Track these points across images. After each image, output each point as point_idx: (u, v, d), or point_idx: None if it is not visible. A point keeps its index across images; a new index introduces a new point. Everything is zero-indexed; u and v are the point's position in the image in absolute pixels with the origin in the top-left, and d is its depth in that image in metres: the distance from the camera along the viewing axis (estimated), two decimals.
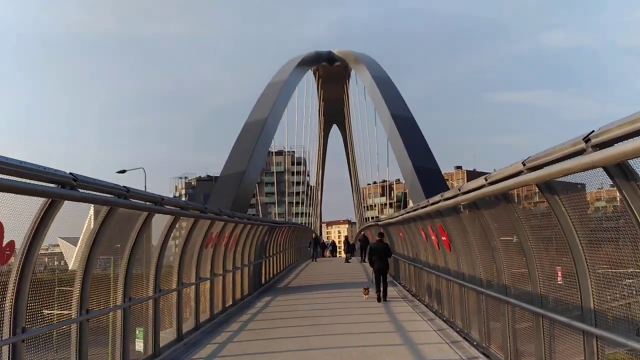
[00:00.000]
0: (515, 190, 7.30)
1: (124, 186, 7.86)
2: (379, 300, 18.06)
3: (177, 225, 10.83)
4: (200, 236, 13.36)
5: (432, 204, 11.83)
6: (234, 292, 17.70)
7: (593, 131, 4.54)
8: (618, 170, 4.61)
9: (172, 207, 10.49)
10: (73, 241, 12.08)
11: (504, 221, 8.22)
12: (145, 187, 33.79)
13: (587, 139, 4.61)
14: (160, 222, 10.58)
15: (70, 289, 7.65)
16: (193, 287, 13.28)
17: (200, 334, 12.92)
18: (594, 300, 5.91)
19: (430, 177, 27.88)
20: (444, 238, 12.95)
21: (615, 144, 4.29)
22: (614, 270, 5.70)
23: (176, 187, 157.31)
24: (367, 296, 18.57)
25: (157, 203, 9.40)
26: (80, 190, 6.51)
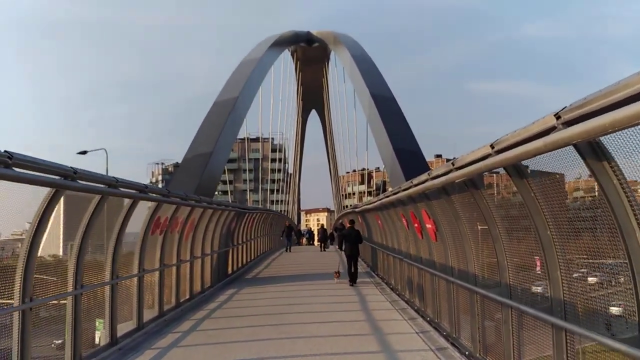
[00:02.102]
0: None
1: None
2: (351, 283, 18.79)
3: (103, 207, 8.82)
4: (144, 221, 11.39)
5: (417, 184, 9.96)
6: (191, 285, 15.73)
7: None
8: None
9: (99, 185, 8.49)
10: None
11: (513, 205, 6.41)
12: (107, 169, 31.75)
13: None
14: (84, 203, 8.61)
15: (39, 275, 7.91)
16: (135, 279, 11.30)
17: (143, 336, 10.96)
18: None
19: (411, 160, 25.97)
20: (429, 226, 11.12)
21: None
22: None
23: (153, 172, 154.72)
24: (337, 279, 19.54)
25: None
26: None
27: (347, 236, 19.90)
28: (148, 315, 12.12)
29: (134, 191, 10.00)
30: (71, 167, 7.02)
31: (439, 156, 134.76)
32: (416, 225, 12.51)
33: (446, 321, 10.46)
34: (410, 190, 10.66)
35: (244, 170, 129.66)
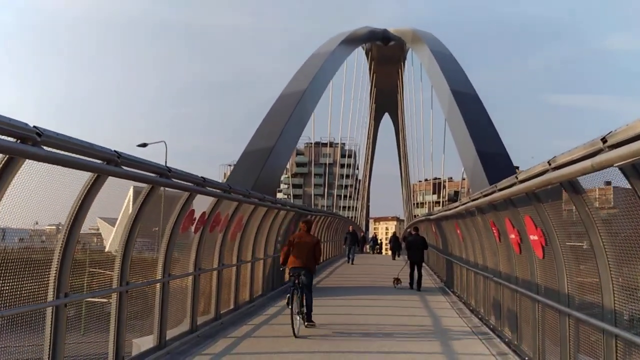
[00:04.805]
0: None
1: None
2: (411, 287, 19.32)
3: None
4: (172, 215, 9.27)
5: (525, 180, 7.35)
6: (236, 293, 13.55)
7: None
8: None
9: (148, 174, 6.45)
10: (112, 222, 11.40)
11: None
12: (166, 161, 30.17)
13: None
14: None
15: (103, 271, 7.78)
16: (158, 286, 9.15)
17: (164, 358, 8.79)
18: None
19: (497, 164, 23.01)
20: (533, 237, 8.46)
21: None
22: None
23: (225, 174, 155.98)
24: (397, 286, 19.57)
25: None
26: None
27: (411, 242, 20.33)
28: (175, 330, 9.99)
29: (190, 184, 9.00)
30: (115, 151, 6.34)
31: (516, 167, 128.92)
32: (513, 236, 9.85)
33: None
34: (513, 189, 8.04)
35: (315, 175, 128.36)
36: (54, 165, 5.45)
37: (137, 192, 8.70)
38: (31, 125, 4.82)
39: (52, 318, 6.21)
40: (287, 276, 20.13)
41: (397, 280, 19.80)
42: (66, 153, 5.42)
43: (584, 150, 5.11)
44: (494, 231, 11.40)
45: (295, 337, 10.80)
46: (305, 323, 11.70)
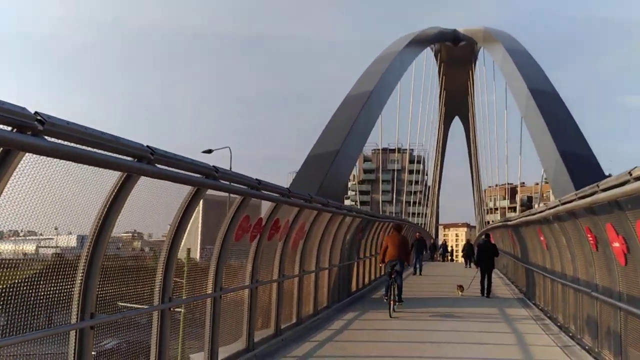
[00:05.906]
0: None
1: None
2: (482, 294, 19.43)
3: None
4: (223, 222, 8.33)
5: None
6: (299, 306, 12.53)
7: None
8: None
9: (191, 174, 5.55)
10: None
11: None
12: (231, 167, 29.60)
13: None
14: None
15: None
16: (209, 301, 8.23)
17: None
18: None
19: (583, 165, 21.07)
20: None
21: None
22: None
23: (293, 180, 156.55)
24: (461, 294, 19.52)
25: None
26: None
27: (482, 249, 20.65)
28: (231, 348, 9.05)
29: (242, 186, 7.99)
30: (147, 146, 5.42)
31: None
32: (616, 244, 8.43)
33: None
34: (626, 188, 6.64)
35: (383, 181, 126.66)
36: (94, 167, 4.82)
37: (206, 201, 8.03)
38: (31, 110, 3.92)
39: (75, 340, 5.41)
40: (355, 285, 19.51)
41: (460, 287, 19.90)
42: (80, 146, 4.46)
43: None
44: (590, 238, 9.95)
45: (390, 317, 14.05)
46: (397, 302, 14.86)
